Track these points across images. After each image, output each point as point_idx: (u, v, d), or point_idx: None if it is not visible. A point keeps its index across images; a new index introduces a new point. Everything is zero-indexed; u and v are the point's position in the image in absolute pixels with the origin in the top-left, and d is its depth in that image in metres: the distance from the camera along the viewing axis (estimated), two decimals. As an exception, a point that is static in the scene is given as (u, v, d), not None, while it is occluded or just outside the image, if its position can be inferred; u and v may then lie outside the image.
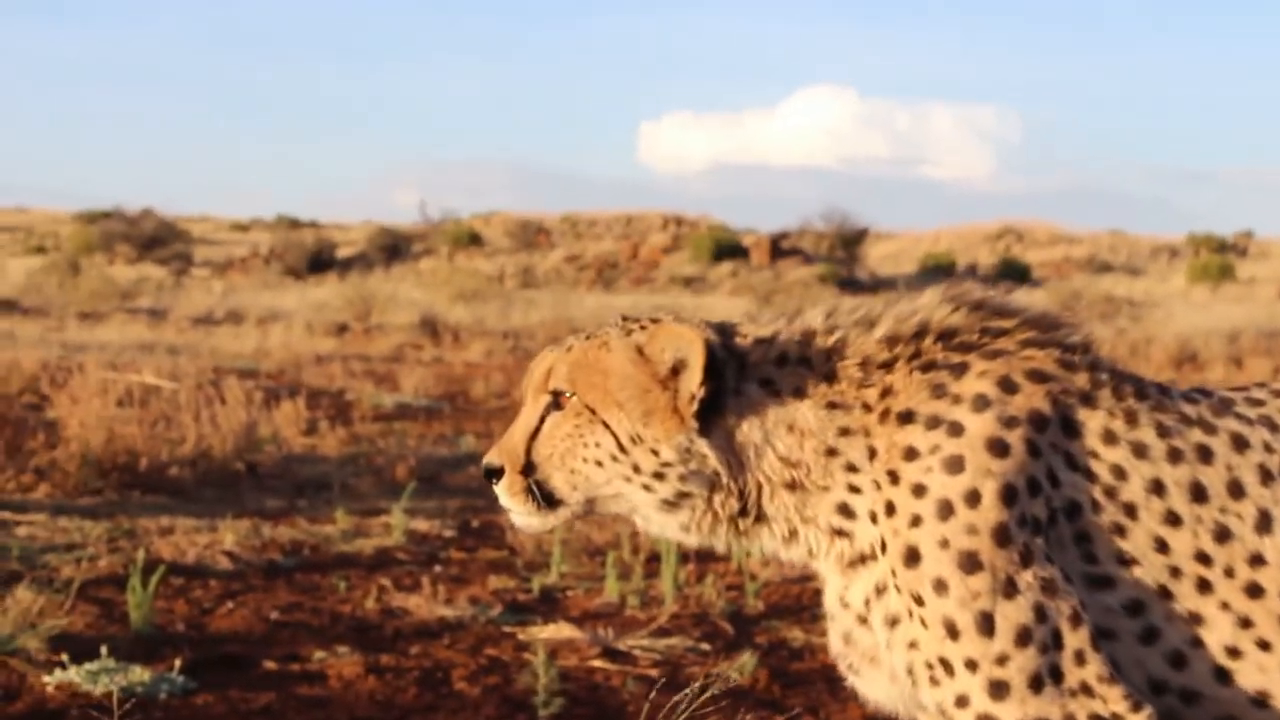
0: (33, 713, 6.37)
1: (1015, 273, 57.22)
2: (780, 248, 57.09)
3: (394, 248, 61.40)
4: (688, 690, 4.58)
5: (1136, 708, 3.48)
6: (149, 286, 42.06)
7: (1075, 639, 3.48)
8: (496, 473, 3.77)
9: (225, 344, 25.19)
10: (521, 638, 7.83)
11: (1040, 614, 3.47)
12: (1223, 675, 3.58)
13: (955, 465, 3.52)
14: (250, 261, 57.10)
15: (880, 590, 3.61)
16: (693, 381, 3.62)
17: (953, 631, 3.48)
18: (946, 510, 3.50)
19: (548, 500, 3.73)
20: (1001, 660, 3.46)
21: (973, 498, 3.50)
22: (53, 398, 12.79)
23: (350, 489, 12.13)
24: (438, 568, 9.48)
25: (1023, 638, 3.46)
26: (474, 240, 62.58)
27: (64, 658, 6.85)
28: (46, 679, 6.70)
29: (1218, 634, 3.57)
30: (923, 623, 3.52)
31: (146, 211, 63.71)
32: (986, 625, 3.46)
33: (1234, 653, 3.58)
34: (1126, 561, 3.56)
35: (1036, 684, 3.46)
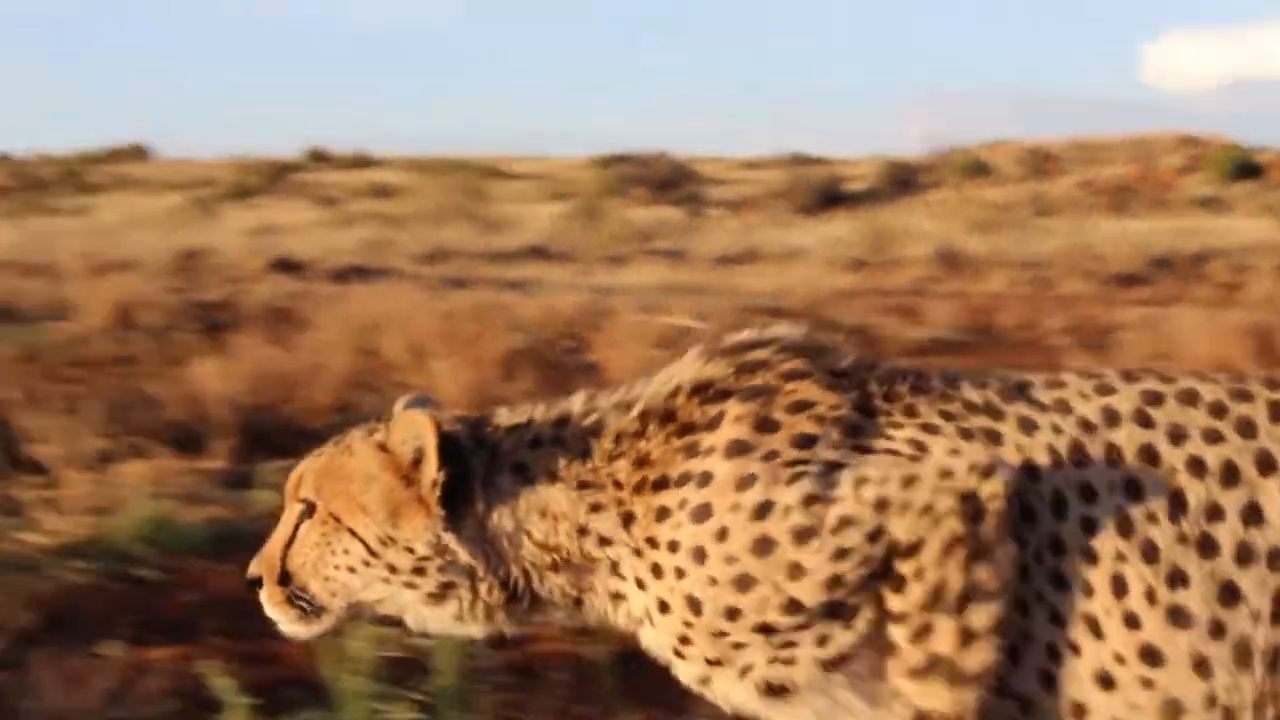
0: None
1: None
2: (1308, 164, 54.40)
3: (903, 181, 61.25)
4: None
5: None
6: (666, 228, 42.97)
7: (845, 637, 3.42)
8: (257, 582, 3.75)
9: (746, 283, 25.46)
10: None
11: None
12: (1048, 680, 3.41)
13: (702, 513, 3.44)
14: (762, 200, 57.83)
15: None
16: (430, 467, 3.58)
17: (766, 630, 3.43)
18: (700, 555, 3.42)
19: (315, 607, 3.69)
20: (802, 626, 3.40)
21: (721, 534, 3.40)
22: (590, 341, 13.12)
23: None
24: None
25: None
26: (981, 170, 61.88)
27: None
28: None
29: (1037, 629, 3.41)
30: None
31: (660, 154, 65.26)
32: (793, 609, 3.39)
33: (1052, 652, 3.40)
34: None
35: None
